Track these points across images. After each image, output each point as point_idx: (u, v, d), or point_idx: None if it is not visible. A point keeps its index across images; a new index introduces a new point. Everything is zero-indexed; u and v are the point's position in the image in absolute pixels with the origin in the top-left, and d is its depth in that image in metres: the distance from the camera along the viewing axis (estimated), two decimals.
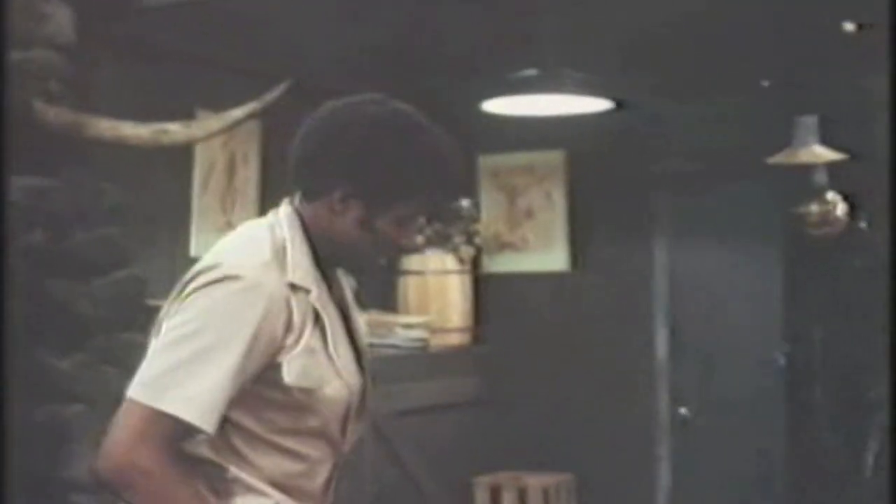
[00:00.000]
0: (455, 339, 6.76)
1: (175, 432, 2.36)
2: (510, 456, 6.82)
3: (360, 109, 2.57)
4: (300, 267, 2.52)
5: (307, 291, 2.50)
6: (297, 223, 2.57)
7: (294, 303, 2.46)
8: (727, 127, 6.06)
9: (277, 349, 2.43)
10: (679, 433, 6.65)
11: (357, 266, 2.73)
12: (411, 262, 6.67)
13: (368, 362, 2.79)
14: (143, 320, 4.55)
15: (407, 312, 6.60)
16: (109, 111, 4.15)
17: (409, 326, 6.33)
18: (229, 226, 5.72)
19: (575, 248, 6.89)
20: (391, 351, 6.15)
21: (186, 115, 4.54)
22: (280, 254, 2.50)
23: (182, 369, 2.36)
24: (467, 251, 6.79)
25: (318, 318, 2.51)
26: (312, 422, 2.55)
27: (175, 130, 4.17)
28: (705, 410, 6.54)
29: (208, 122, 4.37)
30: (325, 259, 2.59)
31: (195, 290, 2.41)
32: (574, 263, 6.90)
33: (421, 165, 2.54)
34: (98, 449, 2.35)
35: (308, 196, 2.57)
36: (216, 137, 4.92)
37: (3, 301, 2.26)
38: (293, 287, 2.46)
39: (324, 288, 2.57)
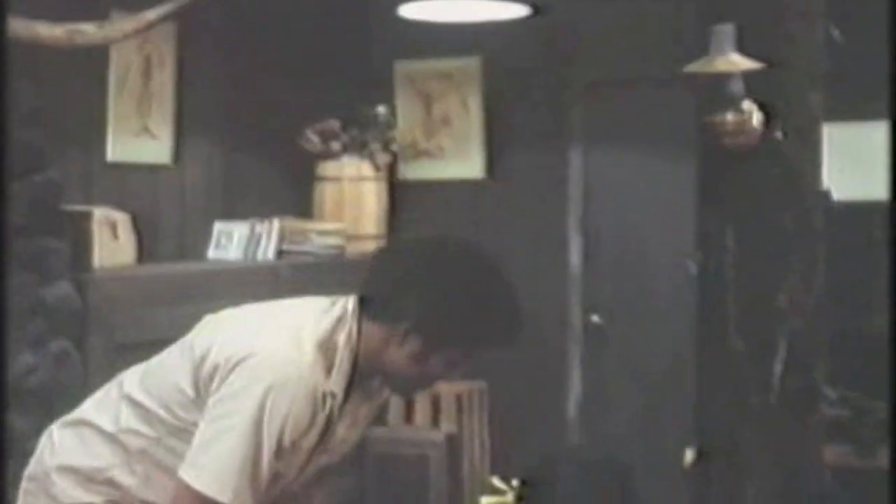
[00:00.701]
0: (370, 247, 6.75)
1: None
2: None
3: (444, 251, 2.65)
4: (341, 373, 2.53)
5: (334, 396, 2.53)
6: (355, 328, 2.57)
7: (324, 404, 2.50)
8: (644, 35, 6.06)
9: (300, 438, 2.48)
10: (591, 340, 6.73)
11: (393, 387, 2.75)
12: (327, 168, 6.64)
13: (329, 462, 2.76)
14: (59, 225, 4.50)
15: (322, 219, 6.57)
16: (24, 11, 4.05)
17: (324, 233, 6.31)
18: (146, 131, 5.65)
19: (490, 156, 6.88)
20: (306, 258, 6.13)
21: (102, 16, 4.46)
22: (329, 351, 2.52)
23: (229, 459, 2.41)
24: (383, 158, 6.76)
25: (328, 420, 2.55)
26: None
27: (90, 31, 4.11)
28: (617, 318, 6.62)
29: (123, 23, 4.31)
30: (361, 370, 2.60)
31: (241, 377, 2.43)
32: (489, 171, 6.90)
33: (490, 320, 2.61)
34: None
35: (371, 314, 2.57)
36: (131, 39, 4.85)
37: (3, 301, 2.26)
38: (328, 391, 2.50)
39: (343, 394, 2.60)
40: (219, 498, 2.40)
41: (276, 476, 2.55)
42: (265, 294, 5.79)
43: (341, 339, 2.53)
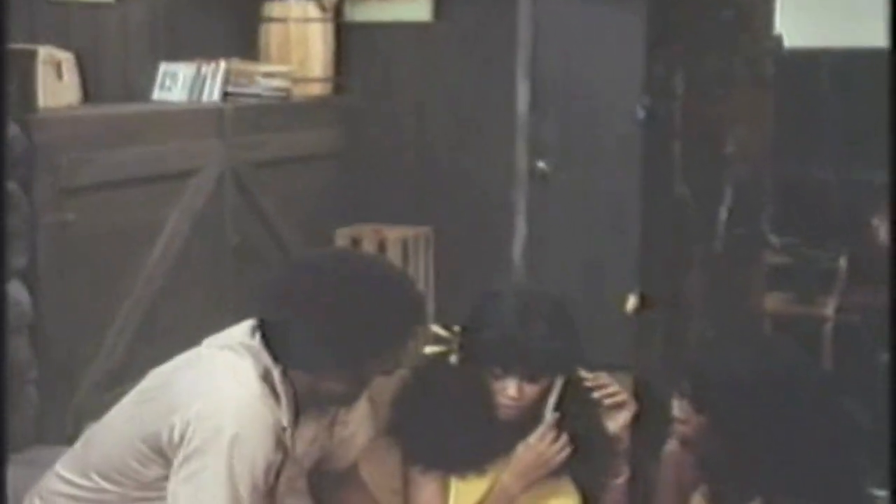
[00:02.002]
0: (317, 89, 6.68)
1: None
2: (370, 208, 6.85)
3: (328, 271, 2.54)
4: (284, 405, 2.50)
5: (284, 429, 2.52)
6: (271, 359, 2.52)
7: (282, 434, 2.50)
8: None
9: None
10: (537, 186, 6.72)
11: (343, 405, 2.72)
12: (273, 8, 6.52)
13: None
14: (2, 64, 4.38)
15: (268, 61, 6.48)
16: None
17: (270, 76, 6.22)
18: None
19: None
20: (252, 100, 6.05)
21: None
22: (270, 385, 2.49)
23: None
24: None
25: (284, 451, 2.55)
26: None
27: None
28: (563, 164, 6.62)
29: None
30: (302, 399, 2.58)
31: (201, 432, 2.40)
32: (437, 14, 6.81)
33: (394, 321, 2.51)
34: None
35: (290, 364, 2.53)
36: None
37: (3, 300, 2.20)
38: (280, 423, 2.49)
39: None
40: None
41: None
42: (210, 134, 5.77)
43: (275, 375, 2.50)
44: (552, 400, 2.81)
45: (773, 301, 5.18)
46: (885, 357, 5.03)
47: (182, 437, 2.41)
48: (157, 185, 5.35)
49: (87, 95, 5.42)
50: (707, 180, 3.64)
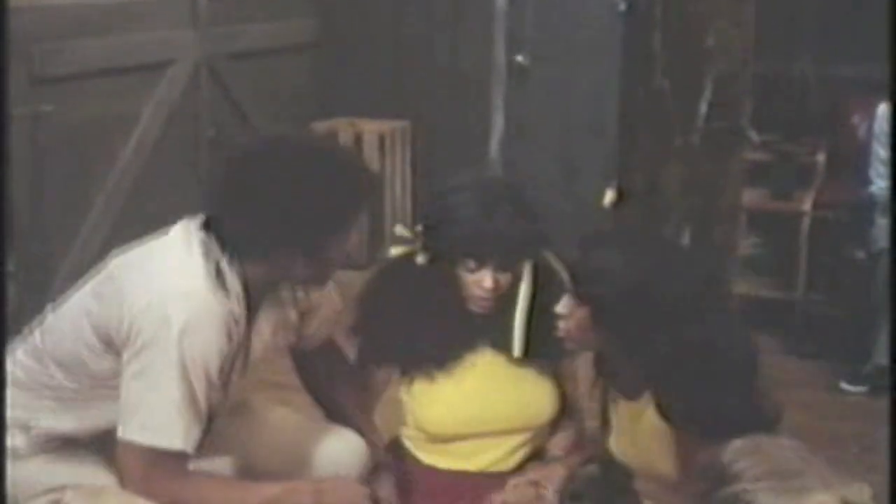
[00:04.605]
0: None
1: (175, 462, 2.42)
2: (347, 101, 6.80)
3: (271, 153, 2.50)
4: (235, 294, 2.45)
5: (237, 319, 2.47)
6: (230, 259, 2.47)
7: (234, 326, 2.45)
8: None
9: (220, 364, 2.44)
10: (515, 80, 6.68)
11: (304, 286, 2.68)
12: None
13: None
14: None
15: None
16: None
17: None
18: None
19: None
20: None
21: None
22: (219, 275, 2.44)
23: (153, 404, 2.38)
24: None
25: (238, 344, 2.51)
26: None
27: None
28: (542, 57, 6.57)
29: None
30: (256, 290, 2.53)
31: (150, 325, 2.36)
32: None
33: (343, 196, 2.45)
34: None
35: (242, 254, 2.48)
36: None
37: (3, 298, 2.16)
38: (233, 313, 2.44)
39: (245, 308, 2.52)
40: (171, 446, 2.39)
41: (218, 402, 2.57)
42: (184, 25, 5.70)
43: (224, 267, 2.46)
44: (525, 287, 2.81)
45: (751, 196, 5.19)
46: (860, 253, 5.06)
47: (131, 332, 2.40)
48: (132, 77, 5.30)
49: None
50: (687, 74, 3.62)
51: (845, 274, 5.30)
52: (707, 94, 3.57)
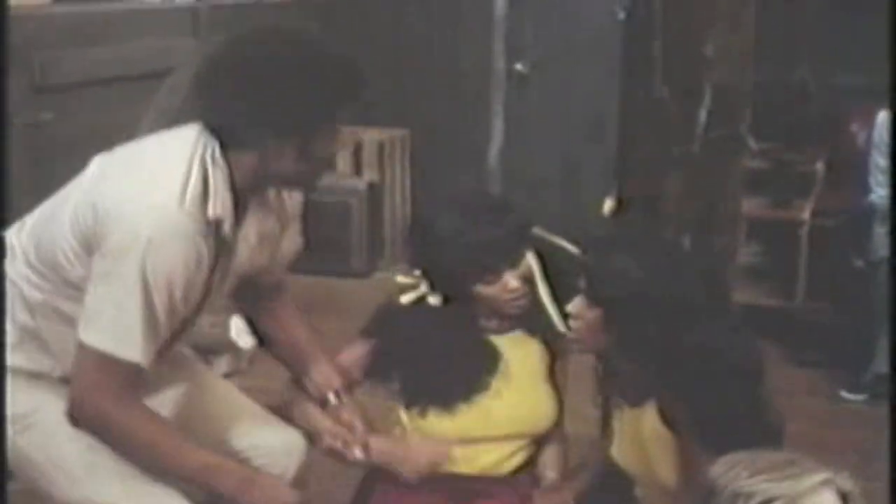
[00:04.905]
0: None
1: (127, 376, 2.39)
2: (346, 111, 6.80)
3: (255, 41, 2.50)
4: (220, 198, 2.42)
5: (221, 222, 2.43)
6: (217, 154, 2.45)
7: (210, 240, 2.42)
8: None
9: (189, 282, 2.42)
10: (514, 88, 6.69)
11: (291, 187, 2.69)
12: None
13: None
14: None
15: None
16: None
17: None
18: None
19: None
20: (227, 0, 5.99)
21: None
22: (198, 181, 2.40)
23: (114, 311, 2.36)
24: None
25: (220, 242, 2.47)
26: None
27: None
28: (541, 65, 6.57)
29: None
30: (244, 189, 2.51)
31: (119, 233, 2.35)
32: None
33: (329, 86, 2.44)
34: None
35: (230, 144, 2.46)
36: None
37: (2, 298, 2.15)
38: (211, 221, 2.41)
39: (233, 213, 2.50)
40: (127, 356, 2.38)
41: (184, 322, 2.55)
42: (185, 33, 5.69)
43: (208, 166, 2.43)
44: (538, 277, 2.84)
45: (751, 204, 5.19)
46: (859, 261, 5.06)
47: (103, 233, 2.38)
48: (133, 85, 5.29)
49: None
50: (687, 82, 3.61)
51: (845, 282, 5.30)
52: (706, 102, 3.57)
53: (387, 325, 2.93)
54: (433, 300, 2.83)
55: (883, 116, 4.98)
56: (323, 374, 2.91)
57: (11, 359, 2.48)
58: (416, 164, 6.82)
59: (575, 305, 2.60)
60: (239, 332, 4.89)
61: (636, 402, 2.64)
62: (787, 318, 5.49)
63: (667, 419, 2.53)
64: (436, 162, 6.74)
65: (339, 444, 2.80)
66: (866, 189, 5.00)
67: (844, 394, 5.03)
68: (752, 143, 4.38)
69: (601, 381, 2.79)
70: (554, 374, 2.97)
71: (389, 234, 6.62)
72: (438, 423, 2.87)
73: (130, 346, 2.37)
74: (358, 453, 2.79)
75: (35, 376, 2.55)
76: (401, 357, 2.89)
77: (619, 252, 2.61)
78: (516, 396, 2.89)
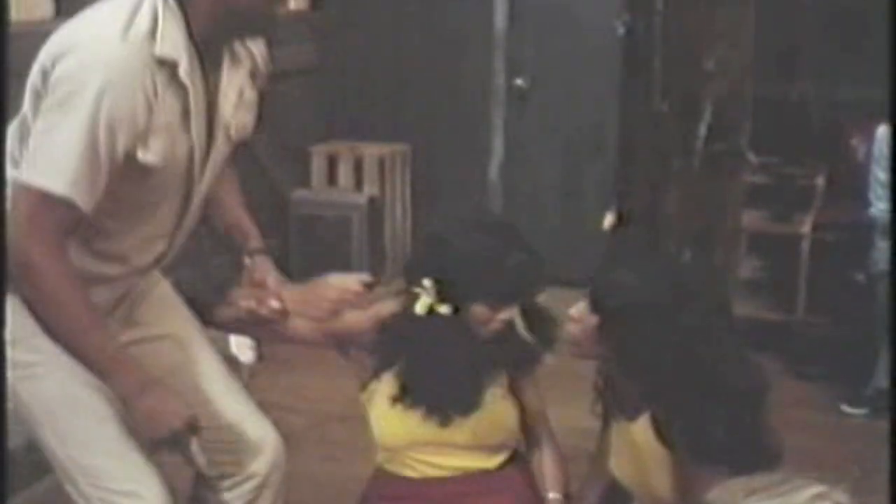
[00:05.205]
0: (292, 5, 6.61)
1: (59, 217, 2.36)
2: (347, 125, 6.81)
3: None
4: (170, 35, 2.40)
5: (175, 63, 2.41)
6: None
7: (157, 78, 2.38)
8: None
9: (137, 128, 2.38)
10: (515, 103, 6.70)
11: (255, 32, 2.67)
12: None
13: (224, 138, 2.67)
14: None
15: None
16: None
17: None
18: None
19: None
20: None
21: None
22: (142, 16, 2.38)
23: (48, 146, 2.34)
24: None
25: (182, 92, 2.45)
26: (147, 194, 2.53)
27: None
28: (541, 81, 6.58)
29: None
30: (203, 31, 2.48)
31: (68, 78, 2.35)
32: None
33: None
34: None
35: None
36: None
37: (2, 299, 2.16)
38: (160, 61, 2.38)
39: (196, 62, 2.48)
40: (58, 190, 2.33)
41: (187, 194, 2.56)
42: None
43: (158, 5, 2.41)
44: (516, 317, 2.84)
45: (751, 218, 5.19)
46: (860, 275, 5.06)
47: (48, 76, 2.38)
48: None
49: (59, 10, 5.34)
50: (686, 97, 3.63)
51: (845, 296, 5.29)
52: (706, 116, 3.58)
53: (399, 329, 2.91)
54: (444, 310, 2.82)
55: (883, 130, 4.98)
56: (242, 234, 2.90)
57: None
58: (417, 178, 6.82)
59: (578, 309, 2.61)
60: (240, 346, 4.89)
61: (632, 416, 2.64)
62: (787, 332, 5.48)
63: (661, 434, 2.54)
64: (436, 177, 6.74)
65: (253, 303, 2.78)
66: (866, 203, 4.99)
67: (845, 408, 5.02)
68: (752, 158, 4.39)
69: (601, 393, 2.80)
70: (517, 389, 2.95)
71: (390, 249, 6.62)
72: (387, 425, 2.87)
73: (65, 180, 2.33)
74: (273, 303, 2.76)
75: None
76: (410, 367, 2.87)
77: (623, 264, 2.63)
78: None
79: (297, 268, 6.51)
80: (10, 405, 2.42)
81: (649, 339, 2.46)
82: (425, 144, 6.74)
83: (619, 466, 2.73)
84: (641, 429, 2.59)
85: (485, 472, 2.90)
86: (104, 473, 2.57)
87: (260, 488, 2.85)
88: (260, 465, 2.84)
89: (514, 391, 2.93)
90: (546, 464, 2.98)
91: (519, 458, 2.98)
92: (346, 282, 2.89)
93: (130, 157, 2.41)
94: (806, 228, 5.54)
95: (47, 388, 2.57)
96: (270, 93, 5.95)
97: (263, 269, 2.85)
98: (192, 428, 2.55)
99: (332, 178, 6.58)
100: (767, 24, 4.08)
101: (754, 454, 2.37)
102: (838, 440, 4.66)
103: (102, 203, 2.43)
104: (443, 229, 2.92)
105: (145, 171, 2.46)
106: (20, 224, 2.32)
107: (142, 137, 2.41)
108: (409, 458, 2.90)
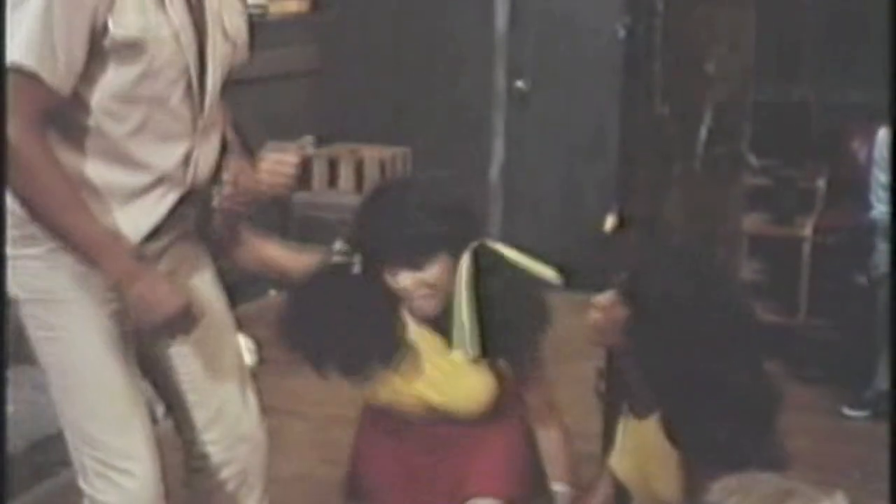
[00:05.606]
0: (294, 7, 6.62)
1: (32, 95, 2.39)
2: (348, 128, 6.82)
3: None
4: None
5: None
6: None
7: None
8: None
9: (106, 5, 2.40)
10: (515, 106, 6.70)
11: None
12: None
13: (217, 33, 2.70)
14: None
15: None
16: None
17: None
18: None
19: None
20: None
21: None
22: None
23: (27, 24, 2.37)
24: None
25: None
26: (146, 87, 2.51)
27: None
28: (542, 83, 6.58)
29: None
30: None
31: None
32: None
33: None
34: None
35: None
36: None
37: (3, 301, 2.18)
38: None
39: None
40: (18, 61, 2.37)
41: (189, 86, 2.59)
42: None
43: None
44: (463, 275, 2.81)
45: (752, 221, 5.19)
46: (861, 278, 5.06)
47: None
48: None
49: None
50: (687, 100, 3.62)
51: (847, 299, 5.30)
52: (707, 119, 3.57)
53: (311, 283, 2.93)
54: (356, 269, 2.83)
55: (883, 133, 4.99)
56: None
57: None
58: None
59: (605, 297, 2.60)
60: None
61: (642, 414, 2.64)
62: (789, 335, 5.48)
63: (671, 434, 2.53)
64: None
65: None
66: (868, 206, 5.00)
67: (847, 410, 5.02)
68: (753, 161, 4.39)
69: (610, 388, 2.78)
70: (521, 385, 2.92)
71: None
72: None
73: (26, 54, 2.37)
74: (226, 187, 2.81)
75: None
76: (321, 325, 2.88)
77: (661, 262, 2.62)
78: (427, 386, 2.87)
79: None
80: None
81: (677, 338, 2.46)
82: (426, 147, 6.74)
83: (620, 464, 2.73)
84: (652, 427, 2.59)
85: (473, 422, 2.88)
86: (104, 446, 2.65)
87: (244, 474, 2.92)
88: (239, 456, 2.91)
89: (518, 385, 2.92)
90: (551, 449, 2.96)
91: (514, 409, 2.96)
92: (284, 151, 3.02)
93: (105, 33, 2.44)
94: (807, 231, 5.54)
95: (67, 353, 2.64)
96: (272, 94, 5.98)
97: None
98: (188, 315, 2.58)
99: (332, 181, 6.58)
100: (768, 27, 4.07)
101: (762, 458, 2.37)
102: (839, 443, 4.66)
103: (105, 103, 2.49)
104: (370, 192, 2.95)
105: (129, 54, 2.48)
106: (10, 111, 2.37)
107: (109, 10, 2.43)
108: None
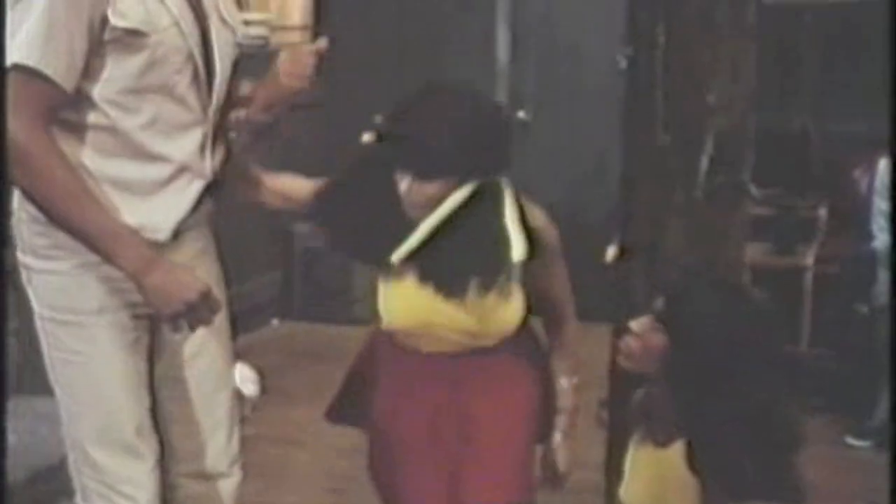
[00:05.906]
0: (296, 37, 6.64)
1: (36, 92, 2.39)
2: (350, 157, 6.82)
3: None
4: None
5: None
6: None
7: None
8: None
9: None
10: (517, 136, 6.71)
11: None
12: None
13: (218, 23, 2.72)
14: None
15: (247, 9, 6.43)
16: None
17: (249, 23, 6.17)
18: None
19: None
20: None
21: None
22: None
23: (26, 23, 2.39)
24: None
25: None
26: (152, 77, 2.54)
27: None
28: (544, 113, 6.60)
29: None
30: None
31: None
32: None
33: None
34: None
35: None
36: None
37: (3, 301, 2.19)
38: None
39: None
40: (22, 60, 2.38)
41: (195, 74, 2.60)
42: None
43: None
44: (448, 202, 2.81)
45: (754, 251, 5.19)
46: (863, 307, 5.06)
47: None
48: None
49: None
50: (688, 129, 3.63)
51: (849, 328, 5.29)
52: (708, 149, 3.58)
53: (335, 184, 3.01)
54: (367, 137, 2.86)
55: (884, 163, 4.99)
56: None
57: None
58: None
59: (641, 324, 2.58)
60: (243, 379, 4.88)
61: (664, 443, 2.61)
62: (791, 365, 5.47)
63: (693, 465, 2.51)
64: None
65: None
66: (869, 235, 5.00)
67: (850, 440, 5.01)
68: (755, 190, 4.38)
69: (614, 417, 2.76)
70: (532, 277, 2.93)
71: None
72: (389, 300, 2.89)
73: (30, 53, 2.38)
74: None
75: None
76: (344, 213, 2.91)
77: (704, 293, 2.60)
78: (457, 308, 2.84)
79: (300, 300, 6.51)
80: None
81: (714, 371, 2.44)
82: None
83: (633, 493, 2.70)
84: (672, 456, 2.56)
85: (489, 351, 2.88)
86: (109, 471, 2.64)
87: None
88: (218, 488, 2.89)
89: (529, 282, 2.91)
90: (560, 355, 2.99)
91: (531, 340, 2.97)
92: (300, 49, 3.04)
93: (105, 25, 2.45)
94: (809, 261, 5.54)
95: (82, 378, 2.64)
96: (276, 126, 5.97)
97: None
98: (209, 298, 2.56)
99: None
100: (770, 57, 4.10)
101: (785, 492, 2.36)
102: (843, 472, 4.64)
103: (115, 97, 2.50)
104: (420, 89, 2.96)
105: (132, 44, 2.49)
106: (7, 108, 2.37)
107: (108, 1, 2.44)
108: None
